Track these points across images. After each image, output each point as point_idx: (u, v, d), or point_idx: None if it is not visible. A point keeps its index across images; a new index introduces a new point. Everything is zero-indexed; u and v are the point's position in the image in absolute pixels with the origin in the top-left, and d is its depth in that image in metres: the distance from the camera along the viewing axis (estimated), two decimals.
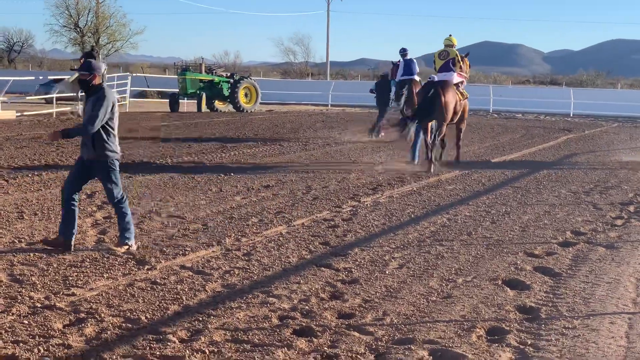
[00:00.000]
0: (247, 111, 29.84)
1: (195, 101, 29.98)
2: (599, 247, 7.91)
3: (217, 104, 30.76)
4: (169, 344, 4.86)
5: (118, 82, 31.59)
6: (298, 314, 5.54)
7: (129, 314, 5.40)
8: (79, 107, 23.99)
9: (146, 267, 6.66)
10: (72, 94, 24.38)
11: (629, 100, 37.27)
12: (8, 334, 4.94)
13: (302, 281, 6.38)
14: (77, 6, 59.00)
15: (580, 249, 7.82)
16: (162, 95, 37.77)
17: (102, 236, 7.78)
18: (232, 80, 30.28)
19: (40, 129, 19.28)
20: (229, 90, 30.01)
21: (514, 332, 5.26)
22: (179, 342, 4.92)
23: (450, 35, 14.69)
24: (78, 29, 59.83)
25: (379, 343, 4.98)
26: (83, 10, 59.61)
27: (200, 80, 29.94)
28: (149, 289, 6.03)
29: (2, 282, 6.09)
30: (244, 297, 5.88)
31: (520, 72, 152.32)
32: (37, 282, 6.10)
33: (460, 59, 14.42)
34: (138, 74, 38.98)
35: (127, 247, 7.19)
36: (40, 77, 37.04)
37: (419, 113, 13.72)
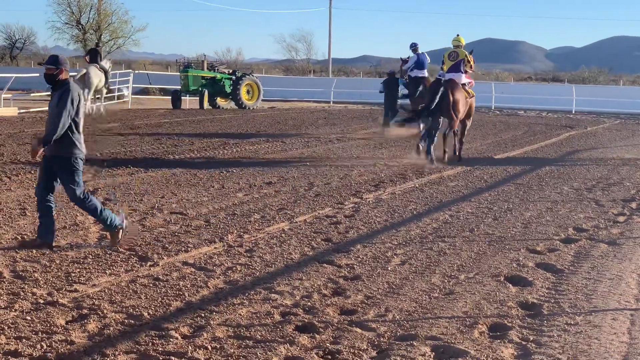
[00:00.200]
0: (249, 108, 29.84)
1: (198, 98, 29.97)
2: (601, 244, 7.90)
3: (219, 101, 30.76)
4: (171, 340, 4.86)
5: (120, 79, 31.62)
6: (300, 310, 5.55)
7: (131, 310, 5.41)
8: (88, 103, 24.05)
9: (148, 263, 6.67)
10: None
11: (631, 97, 37.24)
12: (11, 330, 4.95)
13: (304, 277, 6.39)
14: (79, 3, 59.04)
15: (583, 246, 7.82)
16: (164, 92, 37.77)
17: (104, 233, 7.78)
18: (234, 77, 30.26)
19: (43, 125, 19.26)
20: (231, 87, 29.99)
21: (516, 329, 5.26)
22: (182, 338, 4.93)
23: (458, 35, 15.00)
24: (80, 26, 59.85)
25: (381, 339, 4.99)
26: (85, 7, 59.65)
27: (203, 77, 29.93)
28: (151, 285, 6.04)
29: (5, 278, 6.10)
30: (246, 294, 5.88)
31: (523, 69, 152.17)
32: (40, 279, 6.11)
33: (469, 60, 14.68)
34: (140, 71, 38.95)
35: (121, 230, 7.15)
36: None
37: (428, 110, 14.05)
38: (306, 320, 5.32)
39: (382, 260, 7.01)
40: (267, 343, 4.85)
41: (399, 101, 19.75)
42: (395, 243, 7.72)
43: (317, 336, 5.01)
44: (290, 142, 17.33)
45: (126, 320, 5.21)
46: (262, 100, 31.56)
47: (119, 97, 30.85)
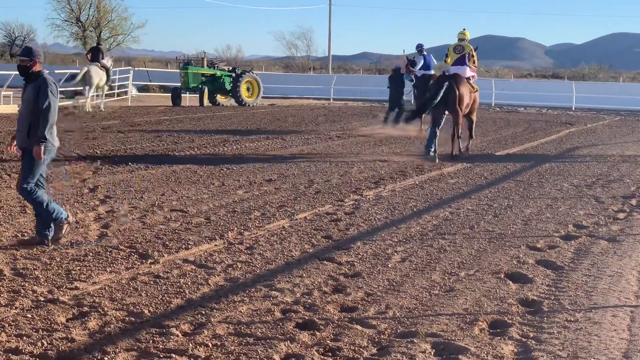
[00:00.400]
0: (249, 105, 29.82)
1: (198, 95, 29.95)
2: (601, 241, 7.91)
3: (219, 98, 30.73)
4: (172, 337, 4.87)
5: (120, 76, 31.58)
6: (301, 307, 5.55)
7: (132, 308, 5.42)
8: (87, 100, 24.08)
9: (149, 261, 6.68)
10: (81, 88, 24.44)
11: (631, 94, 37.15)
12: (12, 328, 4.95)
13: (304, 275, 6.40)
14: (78, 0, 58.99)
15: (583, 242, 7.82)
16: (164, 89, 37.75)
17: (105, 230, 7.79)
18: (234, 74, 30.23)
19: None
20: (231, 84, 29.95)
21: (516, 325, 5.26)
22: (182, 335, 4.93)
23: (464, 29, 15.34)
24: (80, 24, 59.85)
25: (382, 336, 4.99)
26: (85, 5, 59.67)
27: (203, 75, 29.90)
28: (152, 282, 6.05)
29: (6, 275, 6.11)
30: (247, 291, 5.89)
31: (522, 66, 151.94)
32: (40, 276, 6.12)
33: (473, 54, 15.02)
34: (140, 69, 38.92)
35: (66, 225, 7.09)
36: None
37: (433, 104, 14.23)
38: (307, 318, 5.32)
39: (383, 258, 7.01)
40: (268, 340, 4.86)
41: (404, 97, 19.83)
42: (396, 240, 7.72)
43: (317, 333, 5.02)
44: (290, 139, 17.33)
45: (127, 318, 5.22)
46: (262, 97, 31.53)
47: (119, 95, 30.81)
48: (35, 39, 74.60)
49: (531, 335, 5.07)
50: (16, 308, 5.34)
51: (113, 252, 6.91)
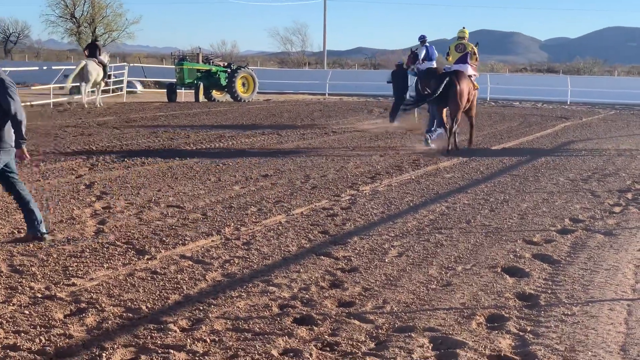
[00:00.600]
0: (244, 101, 29.81)
1: (193, 91, 29.93)
2: (597, 234, 7.93)
3: (215, 94, 30.72)
4: (170, 333, 4.87)
5: (115, 72, 31.51)
6: (298, 302, 5.56)
7: (129, 304, 5.41)
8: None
9: (146, 256, 6.67)
10: (76, 84, 24.45)
11: (626, 88, 37.26)
12: (9, 324, 4.95)
13: (301, 270, 6.40)
14: None
15: (579, 236, 7.84)
16: (159, 85, 37.70)
17: (102, 226, 7.79)
18: (229, 70, 30.21)
19: (37, 119, 19.21)
20: (227, 80, 29.95)
21: (513, 319, 5.27)
22: (180, 331, 4.93)
23: (463, 28, 15.49)
24: (74, 19, 59.70)
25: (380, 331, 5.00)
26: (79, 1, 59.46)
27: (198, 70, 29.87)
28: (149, 278, 6.04)
29: (3, 272, 6.10)
30: (244, 286, 5.89)
31: (517, 60, 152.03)
32: (37, 273, 6.11)
33: (475, 52, 15.26)
34: (135, 64, 38.85)
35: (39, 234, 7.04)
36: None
37: (433, 97, 14.47)
38: (304, 313, 5.33)
39: (379, 252, 7.02)
40: (266, 335, 4.86)
41: (409, 92, 19.85)
42: (392, 235, 7.73)
43: (315, 328, 5.03)
44: (286, 135, 17.32)
45: (124, 314, 5.21)
46: (258, 92, 31.52)
47: (114, 91, 30.74)
48: (30, 35, 74.47)
49: (528, 329, 5.08)
50: (13, 305, 5.34)
51: (110, 248, 6.90)
